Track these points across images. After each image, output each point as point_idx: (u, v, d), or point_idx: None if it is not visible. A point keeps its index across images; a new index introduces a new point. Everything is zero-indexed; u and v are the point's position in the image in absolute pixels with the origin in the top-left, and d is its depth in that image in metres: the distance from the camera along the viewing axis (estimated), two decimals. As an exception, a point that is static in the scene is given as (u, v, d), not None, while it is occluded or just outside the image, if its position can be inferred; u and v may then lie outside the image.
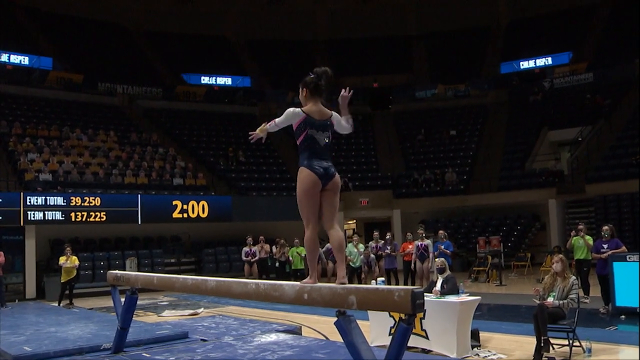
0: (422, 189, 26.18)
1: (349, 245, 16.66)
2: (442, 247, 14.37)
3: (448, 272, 9.06)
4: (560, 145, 27.33)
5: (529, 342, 7.82)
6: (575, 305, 7.61)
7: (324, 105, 4.58)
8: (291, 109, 4.47)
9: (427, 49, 37.79)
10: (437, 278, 9.05)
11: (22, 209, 17.39)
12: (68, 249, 15.31)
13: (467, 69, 34.40)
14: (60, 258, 15.28)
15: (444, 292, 8.49)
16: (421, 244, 14.79)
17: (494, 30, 37.52)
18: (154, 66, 35.09)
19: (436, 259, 9.72)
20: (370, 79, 35.22)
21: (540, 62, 32.97)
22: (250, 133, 4.63)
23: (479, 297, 8.43)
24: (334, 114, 4.64)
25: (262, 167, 26.84)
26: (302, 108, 4.50)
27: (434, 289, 8.63)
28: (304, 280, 4.58)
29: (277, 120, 4.50)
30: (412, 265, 14.84)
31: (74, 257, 15.29)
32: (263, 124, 4.51)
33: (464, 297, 8.19)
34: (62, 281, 15.22)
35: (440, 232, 15.16)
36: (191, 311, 13.21)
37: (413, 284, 14.72)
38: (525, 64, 33.29)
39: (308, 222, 4.46)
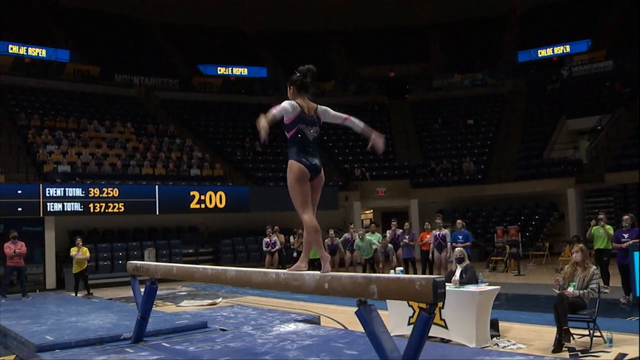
0: (439, 179, 26.07)
1: (357, 240, 16.59)
2: (461, 237, 14.32)
3: (467, 262, 9.02)
4: (579, 134, 27.07)
5: (549, 332, 7.77)
6: (595, 295, 7.54)
7: (310, 100, 4.69)
8: (289, 103, 4.53)
9: (444, 38, 37.53)
10: (456, 267, 9.01)
11: (41, 200, 17.54)
12: (79, 240, 15.51)
13: (484, 58, 34.12)
14: (71, 249, 15.45)
15: (463, 282, 8.45)
16: (439, 234, 14.76)
17: (511, 19, 37.18)
18: (170, 57, 35.18)
19: (455, 249, 9.68)
20: (387, 69, 35.08)
21: (558, 50, 32.63)
22: (259, 131, 4.54)
23: (498, 286, 8.37)
24: (319, 107, 4.74)
25: (279, 157, 26.80)
26: (296, 102, 4.57)
27: (453, 278, 8.60)
28: (295, 265, 4.62)
29: (274, 112, 4.46)
30: (430, 254, 14.83)
31: (85, 249, 15.44)
32: (262, 119, 4.37)
33: (483, 287, 8.15)
34: (73, 272, 15.42)
35: (459, 221, 15.11)
36: (210, 301, 13.27)
37: (431, 274, 14.69)
38: (542, 52, 32.97)
39: (304, 209, 4.58)
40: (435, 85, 33.78)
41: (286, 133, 4.58)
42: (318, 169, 4.66)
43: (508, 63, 34.06)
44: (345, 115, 4.84)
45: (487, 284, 8.56)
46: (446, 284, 3.75)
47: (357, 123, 4.82)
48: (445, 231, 14.89)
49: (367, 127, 4.70)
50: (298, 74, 4.71)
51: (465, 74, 33.27)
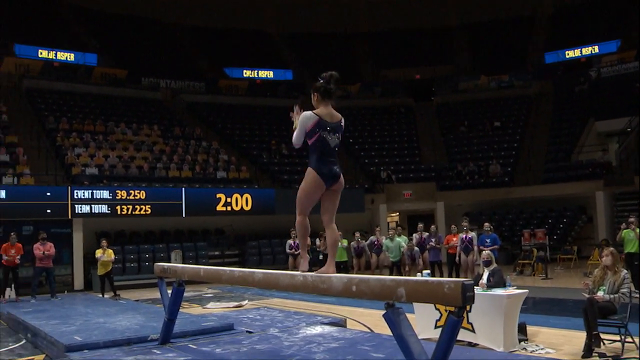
0: (465, 181, 25.89)
1: (386, 240, 16.59)
2: (488, 240, 14.21)
3: (494, 265, 8.94)
4: (607, 137, 26.67)
5: (578, 337, 7.66)
6: (627, 300, 7.41)
7: (334, 108, 4.82)
8: (305, 113, 4.71)
9: (470, 40, 37.29)
10: (483, 271, 8.94)
11: (69, 202, 17.75)
12: (104, 242, 15.66)
13: (511, 60, 33.80)
14: (97, 251, 15.60)
15: (490, 285, 8.38)
16: (465, 237, 14.67)
17: (538, 19, 36.78)
18: (196, 61, 35.43)
19: (482, 252, 9.60)
20: (412, 71, 34.96)
21: (587, 50, 32.18)
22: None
23: (526, 290, 8.28)
24: (342, 118, 4.87)
25: (304, 159, 26.74)
26: (314, 111, 4.72)
27: (480, 281, 8.53)
28: (323, 268, 4.71)
29: (295, 132, 4.74)
30: (457, 257, 14.74)
31: (110, 251, 15.59)
32: (295, 113, 4.75)
33: (511, 290, 8.07)
34: (99, 274, 15.60)
35: (486, 224, 15.00)
36: (236, 303, 13.32)
37: (457, 277, 14.59)
38: (570, 53, 32.55)
39: (300, 211, 4.73)
40: (461, 87, 33.57)
41: (308, 141, 4.73)
42: (337, 176, 4.78)
43: (535, 64, 33.73)
44: None
45: (514, 287, 8.48)
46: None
47: None
48: (472, 234, 14.79)
49: None
50: (321, 81, 4.80)
51: (492, 75, 33.01)
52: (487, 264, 8.92)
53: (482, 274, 8.88)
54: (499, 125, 29.28)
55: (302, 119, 4.70)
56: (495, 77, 32.91)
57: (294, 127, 4.84)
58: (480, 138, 28.91)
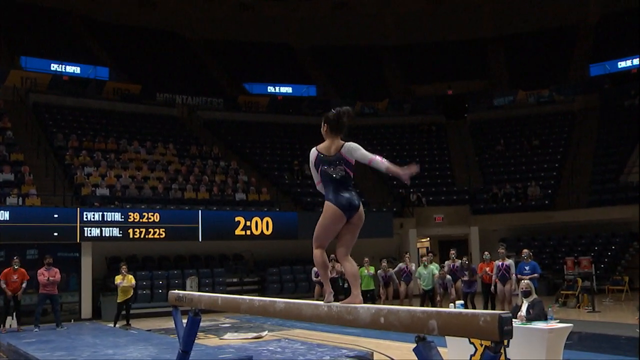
0: (502, 205, 25.67)
1: (420, 267, 16.51)
2: (527, 268, 14.05)
3: (534, 296, 8.82)
4: (660, 156, 26.30)
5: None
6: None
7: (341, 139, 4.98)
8: (311, 151, 4.98)
9: (506, 52, 37.23)
10: (522, 302, 8.82)
11: (78, 225, 17.81)
12: (124, 267, 15.66)
13: (551, 73, 33.65)
14: (116, 277, 15.64)
15: (530, 318, 8.27)
16: (502, 264, 14.51)
17: (582, 29, 36.56)
18: (214, 76, 35.80)
19: (521, 281, 9.49)
20: (444, 86, 34.95)
21: (637, 61, 31.79)
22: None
23: (570, 324, 8.14)
24: (345, 144, 4.96)
25: (328, 181, 26.84)
26: (317, 146, 4.97)
27: (519, 314, 8.42)
28: (348, 299, 4.74)
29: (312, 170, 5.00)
30: (492, 287, 14.58)
31: (130, 276, 15.65)
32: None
33: (554, 324, 7.93)
34: (118, 301, 15.59)
35: (525, 251, 14.80)
36: (255, 334, 13.27)
37: (493, 308, 14.42)
38: (619, 65, 32.20)
39: (318, 244, 4.84)
40: (497, 103, 33.43)
41: (315, 179, 5.05)
42: (356, 207, 4.85)
43: (578, 78, 33.47)
44: (370, 157, 4.94)
45: (557, 320, 8.34)
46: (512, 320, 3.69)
47: (380, 164, 4.87)
48: (510, 261, 14.62)
49: (392, 165, 4.84)
50: (334, 112, 4.96)
51: (531, 90, 32.83)
52: (527, 294, 8.81)
53: (521, 306, 8.76)
54: (538, 144, 29.07)
55: (309, 157, 4.97)
56: (534, 91, 32.72)
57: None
58: (518, 158, 28.69)
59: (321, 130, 5.00)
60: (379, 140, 31.72)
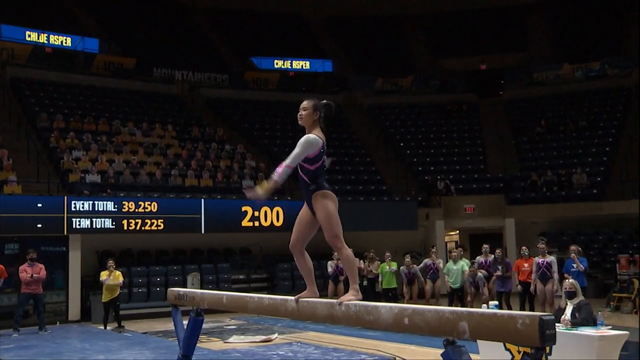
0: (542, 194, 25.51)
1: (448, 263, 16.50)
2: (576, 266, 13.94)
3: (580, 298, 8.74)
4: None
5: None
6: None
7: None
8: (311, 137, 5.31)
9: (549, 20, 36.86)
10: (566, 304, 8.76)
11: (65, 215, 17.77)
12: (110, 263, 15.70)
13: (603, 43, 33.21)
14: (102, 273, 15.68)
15: (575, 323, 8.20)
16: (542, 261, 14.43)
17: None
18: (218, 49, 35.77)
19: (565, 280, 9.41)
20: (477, 60, 34.72)
21: None
22: (244, 189, 5.57)
23: (626, 331, 8.00)
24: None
25: (346, 166, 26.87)
26: (318, 134, 5.37)
27: (563, 317, 8.37)
28: (347, 295, 4.98)
29: (289, 159, 5.24)
30: (532, 286, 14.51)
31: (118, 273, 15.71)
32: (264, 183, 5.26)
33: (605, 331, 7.80)
34: (103, 301, 15.66)
35: (573, 247, 14.61)
36: (263, 337, 13.30)
37: (531, 310, 14.35)
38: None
39: (342, 240, 5.24)
40: (537, 78, 33.18)
41: (309, 167, 5.38)
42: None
43: (636, 48, 33.00)
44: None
45: (609, 327, 8.19)
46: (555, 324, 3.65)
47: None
48: (551, 258, 14.55)
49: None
50: (325, 102, 5.53)
51: (578, 63, 32.45)
52: (571, 295, 8.74)
53: (565, 308, 8.70)
54: (585, 125, 28.80)
55: (308, 143, 5.26)
56: (582, 65, 32.31)
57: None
58: (562, 141, 28.45)
59: (304, 114, 5.42)
60: (402, 122, 31.65)
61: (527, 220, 25.02)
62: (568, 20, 35.61)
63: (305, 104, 5.46)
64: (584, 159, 26.76)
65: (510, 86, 33.30)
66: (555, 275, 14.16)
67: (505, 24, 36.58)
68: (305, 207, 5.51)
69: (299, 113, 5.45)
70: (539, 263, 14.47)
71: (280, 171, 5.22)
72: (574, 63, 32.57)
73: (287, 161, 5.23)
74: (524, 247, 15.91)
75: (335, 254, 17.60)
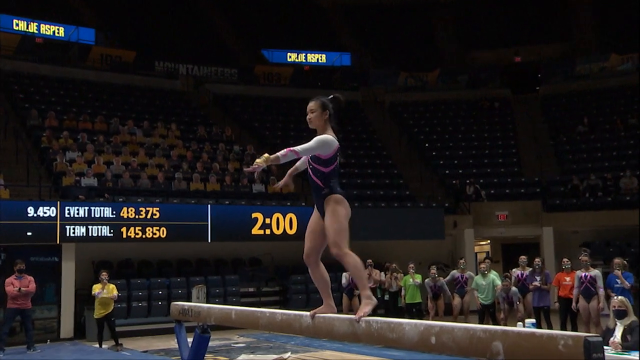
0: (585, 200, 25.30)
1: (477, 276, 16.41)
2: (620, 282, 13.82)
3: (633, 318, 8.63)
4: None
5: None
6: None
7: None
8: (328, 137, 5.49)
9: (595, 6, 36.62)
10: (615, 324, 8.66)
11: (58, 222, 17.71)
12: (104, 274, 15.55)
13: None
14: (95, 286, 15.56)
15: (628, 347, 8.11)
16: (585, 275, 14.29)
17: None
18: (226, 41, 35.90)
19: (615, 297, 9.30)
20: (511, 52, 34.70)
21: None
22: (245, 169, 5.67)
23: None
24: None
25: (365, 169, 26.83)
26: (333, 136, 5.54)
27: (612, 339, 8.29)
28: (361, 307, 4.97)
29: (300, 147, 5.41)
30: (574, 304, 14.39)
31: (112, 286, 15.64)
32: (267, 155, 5.37)
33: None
34: (95, 317, 15.58)
35: (617, 260, 14.46)
36: (275, 356, 13.37)
37: (574, 330, 14.25)
38: None
39: (346, 246, 5.29)
40: (580, 71, 33.08)
41: (322, 169, 5.54)
42: None
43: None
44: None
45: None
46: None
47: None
48: (596, 272, 14.39)
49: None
50: (332, 97, 5.69)
51: (628, 54, 32.22)
52: (621, 314, 8.63)
53: (614, 329, 8.60)
54: (635, 123, 28.61)
55: (323, 142, 5.45)
56: (632, 55, 32.06)
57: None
58: (608, 141, 28.24)
59: (312, 117, 5.61)
60: (427, 120, 31.61)
61: (568, 230, 24.85)
62: (616, 5, 35.31)
63: (312, 105, 5.59)
64: (633, 160, 26.37)
65: (548, 80, 33.21)
66: (601, 291, 13.97)
67: (544, 10, 36.41)
68: (315, 214, 5.57)
69: (307, 116, 5.59)
70: (581, 277, 14.32)
71: (286, 152, 5.36)
72: (624, 53, 32.37)
73: (297, 148, 5.35)
74: (565, 259, 15.75)
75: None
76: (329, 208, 5.35)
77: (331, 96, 5.62)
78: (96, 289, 15.45)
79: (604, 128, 29.06)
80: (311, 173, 5.53)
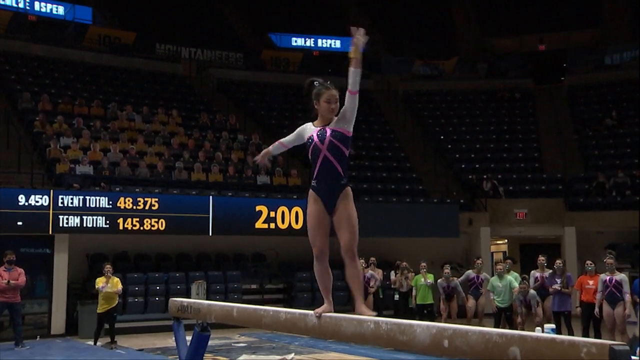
0: (611, 199, 25.21)
1: (493, 277, 16.36)
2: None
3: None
4: None
5: None
6: None
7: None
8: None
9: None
10: None
11: (51, 212, 17.72)
12: (108, 267, 15.54)
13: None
14: (98, 280, 15.52)
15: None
16: (610, 279, 14.24)
17: None
18: (231, 23, 35.90)
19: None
20: (534, 39, 34.59)
21: None
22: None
23: None
24: None
25: (376, 162, 26.81)
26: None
27: (639, 349, 8.27)
28: (359, 308, 5.13)
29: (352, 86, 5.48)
30: (597, 309, 14.36)
31: (117, 280, 15.66)
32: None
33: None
34: (98, 311, 15.54)
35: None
36: (278, 357, 13.39)
37: (597, 337, 14.21)
38: None
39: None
40: (609, 61, 32.90)
41: (345, 150, 5.38)
42: None
43: None
44: None
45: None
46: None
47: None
48: (621, 276, 14.34)
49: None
50: (317, 83, 5.75)
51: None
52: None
53: None
54: (667, 117, 28.52)
55: (356, 106, 5.44)
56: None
57: (353, 55, 5.55)
58: (637, 136, 28.01)
59: (337, 106, 5.46)
60: (443, 111, 31.54)
61: (592, 230, 24.79)
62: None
63: (337, 93, 5.47)
64: (663, 157, 26.38)
65: (574, 70, 33.07)
66: (627, 297, 13.89)
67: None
68: (318, 206, 5.34)
69: (331, 105, 5.42)
70: (605, 281, 14.23)
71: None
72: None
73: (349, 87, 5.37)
74: (589, 262, 15.67)
75: (361, 260, 17.54)
76: (347, 204, 5.23)
77: (328, 82, 5.65)
78: (100, 282, 15.39)
79: (633, 122, 28.86)
80: (330, 155, 5.26)
